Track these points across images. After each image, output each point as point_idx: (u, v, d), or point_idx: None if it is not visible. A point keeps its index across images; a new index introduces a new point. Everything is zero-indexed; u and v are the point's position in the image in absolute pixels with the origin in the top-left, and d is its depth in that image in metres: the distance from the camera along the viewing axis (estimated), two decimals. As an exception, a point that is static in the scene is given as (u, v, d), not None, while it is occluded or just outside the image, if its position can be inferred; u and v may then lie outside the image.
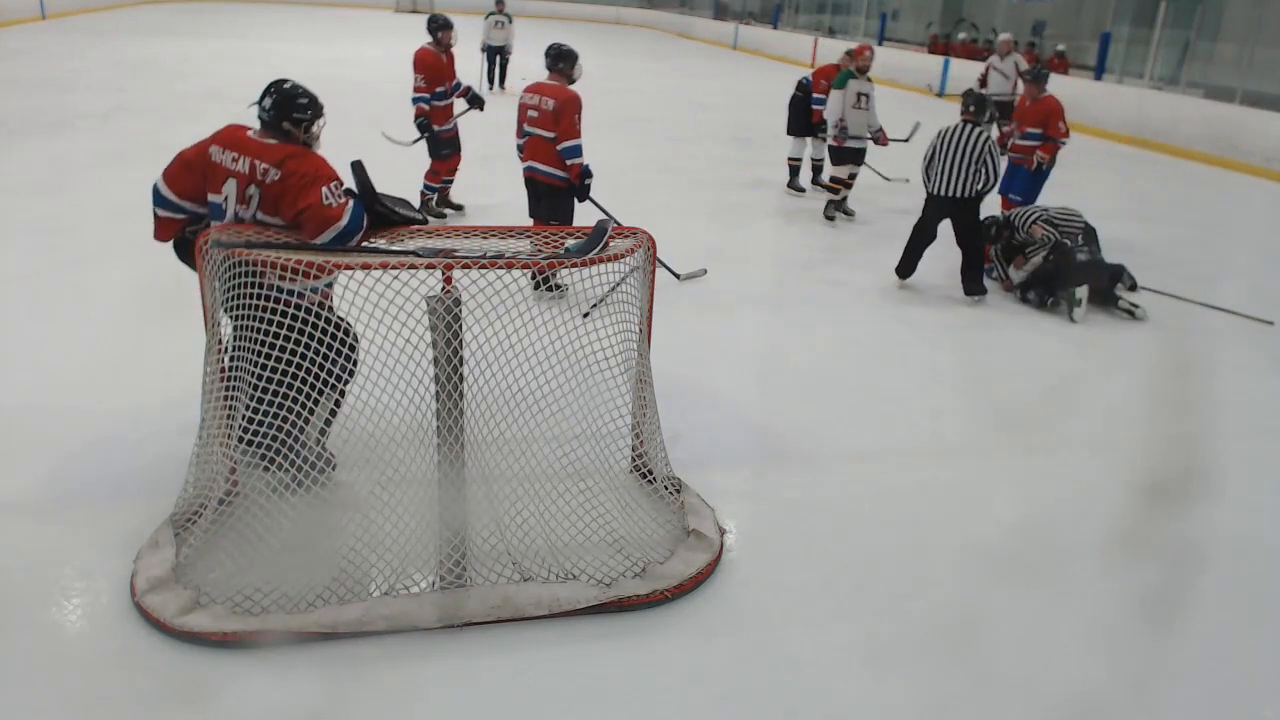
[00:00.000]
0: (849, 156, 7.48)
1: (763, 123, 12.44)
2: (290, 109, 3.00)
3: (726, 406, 4.14)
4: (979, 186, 5.52)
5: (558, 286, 4.92)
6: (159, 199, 3.06)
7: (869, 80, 7.41)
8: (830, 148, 7.51)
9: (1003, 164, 5.90)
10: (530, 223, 5.37)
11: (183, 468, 2.95)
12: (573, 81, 5.29)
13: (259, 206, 2.93)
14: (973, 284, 5.78)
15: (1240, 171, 10.95)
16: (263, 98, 3.01)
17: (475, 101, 6.66)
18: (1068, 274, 5.57)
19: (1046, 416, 4.26)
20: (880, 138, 7.44)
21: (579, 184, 5.19)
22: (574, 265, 2.85)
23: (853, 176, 7.62)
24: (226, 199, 2.95)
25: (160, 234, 3.13)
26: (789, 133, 8.43)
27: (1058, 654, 2.70)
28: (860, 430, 4.03)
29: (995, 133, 6.00)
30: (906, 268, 5.97)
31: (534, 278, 4.86)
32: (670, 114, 13.46)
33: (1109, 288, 5.69)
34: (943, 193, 5.61)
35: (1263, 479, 3.82)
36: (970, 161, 5.49)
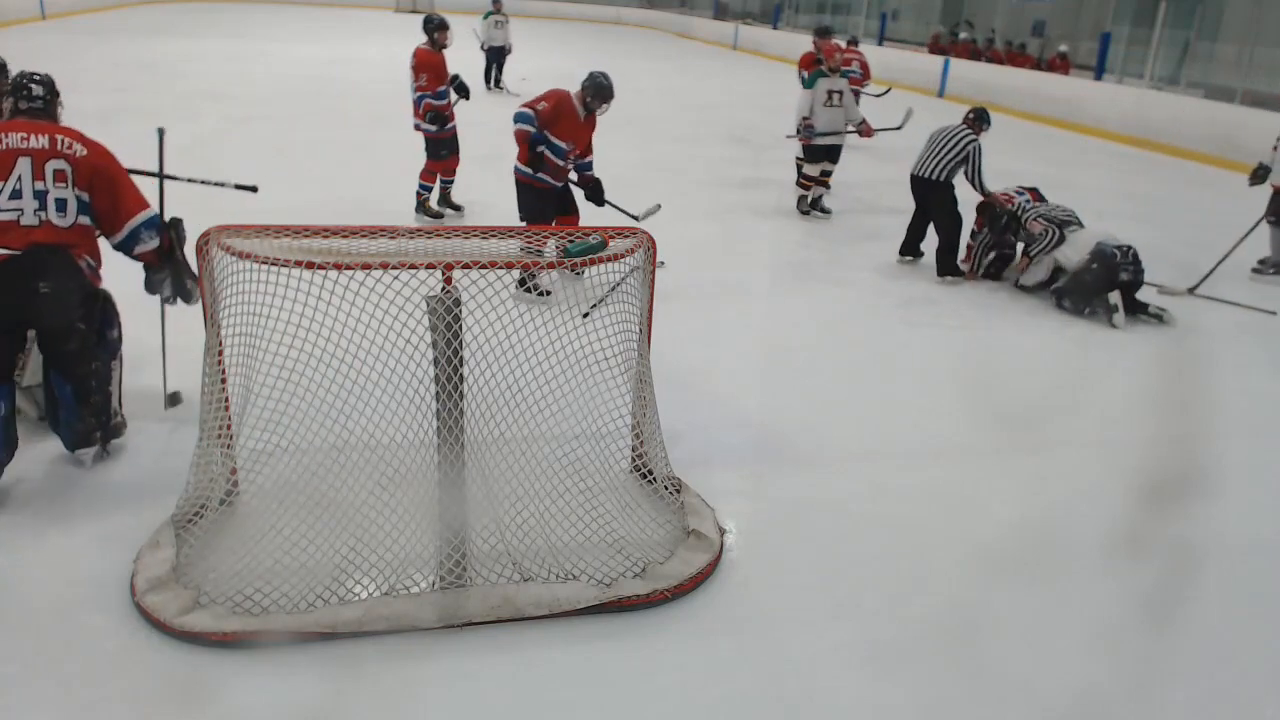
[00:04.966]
0: (822, 154, 7.53)
1: (763, 123, 12.45)
2: (56, 89, 3.27)
3: (726, 406, 4.14)
4: (946, 173, 5.97)
5: (546, 292, 4.91)
6: None
7: (842, 78, 7.54)
8: (803, 145, 7.55)
9: (983, 176, 5.95)
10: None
11: (183, 468, 2.95)
12: (590, 111, 5.23)
13: (75, 183, 3.09)
14: (942, 265, 6.15)
15: (1241, 171, 10.88)
16: (26, 88, 3.20)
17: (461, 90, 6.68)
18: (1100, 284, 5.49)
19: (1046, 416, 4.26)
20: (864, 129, 7.50)
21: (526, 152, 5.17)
22: (573, 265, 2.86)
23: (826, 174, 7.68)
24: (19, 178, 3.01)
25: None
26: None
27: (1058, 654, 2.70)
28: (860, 430, 4.02)
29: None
30: (905, 246, 6.47)
31: (520, 279, 4.86)
32: (670, 114, 13.45)
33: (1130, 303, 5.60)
34: (915, 172, 6.15)
35: (1263, 479, 3.82)
36: (946, 151, 5.96)
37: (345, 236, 2.80)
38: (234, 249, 2.66)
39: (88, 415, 3.25)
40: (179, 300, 3.47)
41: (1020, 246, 6.10)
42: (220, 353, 2.83)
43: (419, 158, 6.76)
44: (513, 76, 14.35)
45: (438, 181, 6.85)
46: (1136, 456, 3.98)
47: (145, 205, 3.30)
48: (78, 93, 11.92)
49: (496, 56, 14.39)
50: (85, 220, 3.18)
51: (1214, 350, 5.32)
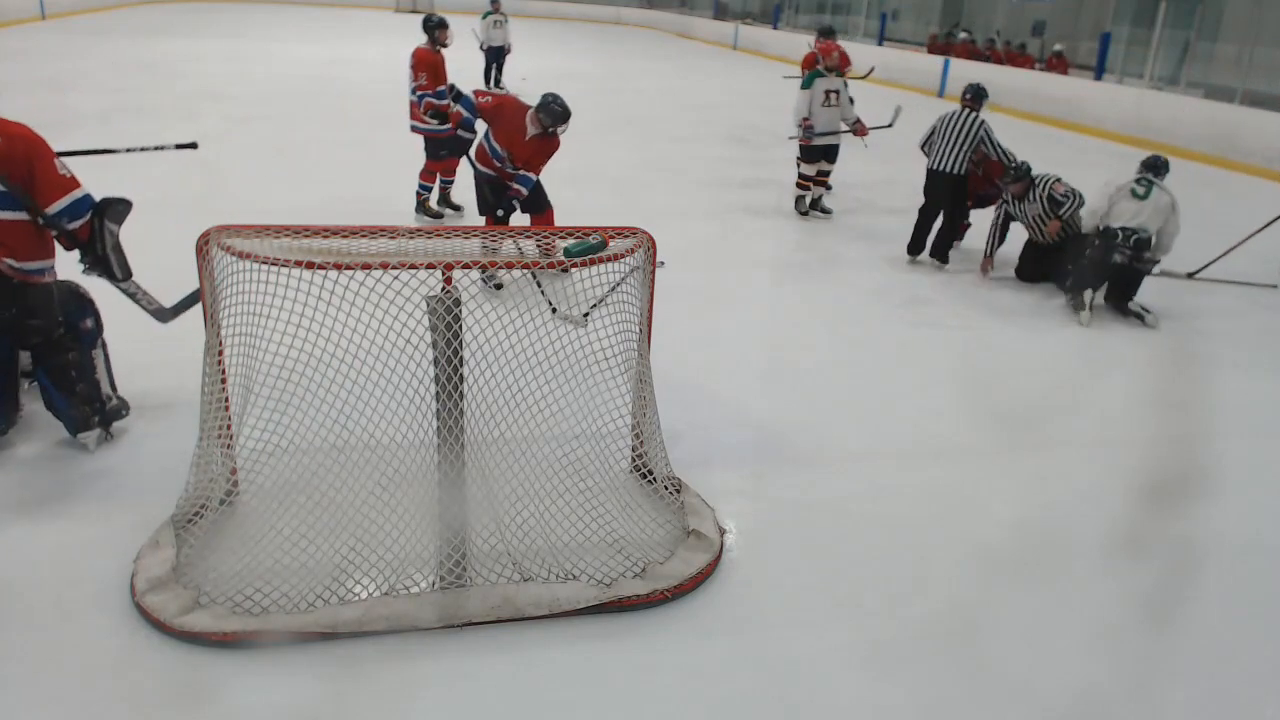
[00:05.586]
0: (819, 154, 7.55)
1: (763, 123, 12.45)
2: None
3: (726, 406, 4.14)
4: (964, 164, 6.08)
5: (498, 285, 4.93)
6: None
7: (839, 77, 7.52)
8: (801, 146, 7.55)
9: (1004, 146, 5.99)
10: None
11: (184, 467, 2.95)
12: (545, 132, 5.20)
13: None
14: (938, 248, 6.33)
15: (1240, 171, 10.94)
16: None
17: (460, 99, 6.69)
18: (1096, 271, 5.47)
19: (1046, 416, 4.26)
20: (858, 128, 7.50)
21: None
22: (574, 265, 2.86)
23: (823, 174, 7.69)
24: None
25: None
26: None
27: (1058, 654, 2.70)
28: (860, 430, 4.02)
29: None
30: (914, 245, 6.46)
31: (483, 274, 4.85)
32: (670, 114, 13.45)
33: (1126, 292, 5.59)
34: (936, 168, 6.21)
35: (1263, 479, 3.82)
36: (960, 141, 6.02)
37: (345, 236, 2.81)
38: (234, 249, 2.66)
39: (79, 403, 3.28)
40: (118, 282, 3.36)
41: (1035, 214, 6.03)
42: (220, 353, 2.83)
43: (419, 158, 6.76)
44: (513, 76, 14.36)
45: (437, 181, 6.86)
46: (1136, 456, 3.98)
47: (69, 188, 3.14)
48: (78, 93, 11.97)
49: (496, 56, 14.40)
50: (5, 215, 3.07)
51: (1214, 350, 5.32)
